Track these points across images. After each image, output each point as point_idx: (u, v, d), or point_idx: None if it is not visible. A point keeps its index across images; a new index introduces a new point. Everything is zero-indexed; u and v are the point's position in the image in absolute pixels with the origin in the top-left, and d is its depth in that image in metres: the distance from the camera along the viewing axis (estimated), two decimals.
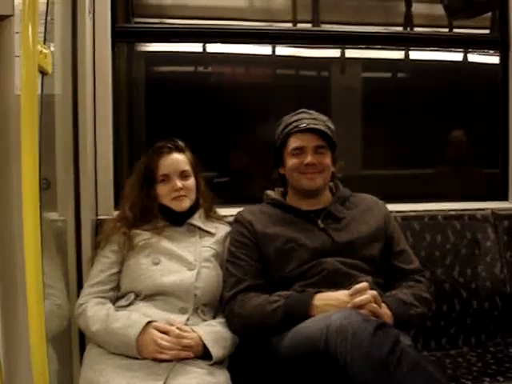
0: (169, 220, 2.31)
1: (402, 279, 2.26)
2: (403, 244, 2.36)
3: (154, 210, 2.29)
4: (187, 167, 2.32)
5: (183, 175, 2.30)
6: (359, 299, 1.93)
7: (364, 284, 1.98)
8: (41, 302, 1.46)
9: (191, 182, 2.33)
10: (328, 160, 2.27)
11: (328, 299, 2.02)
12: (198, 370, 1.93)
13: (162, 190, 2.29)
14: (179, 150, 2.34)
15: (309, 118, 2.27)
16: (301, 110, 2.32)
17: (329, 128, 2.27)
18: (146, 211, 2.29)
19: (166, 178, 2.28)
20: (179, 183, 2.27)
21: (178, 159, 2.32)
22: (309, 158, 2.24)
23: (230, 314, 2.16)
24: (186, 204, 2.30)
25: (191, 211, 2.34)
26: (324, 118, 2.31)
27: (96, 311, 2.10)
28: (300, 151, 2.26)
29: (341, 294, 2.01)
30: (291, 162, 2.28)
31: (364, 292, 1.96)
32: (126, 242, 2.23)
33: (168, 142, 2.34)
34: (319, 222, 2.26)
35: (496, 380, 2.21)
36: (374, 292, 1.98)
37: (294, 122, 2.28)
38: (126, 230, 2.25)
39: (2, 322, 1.69)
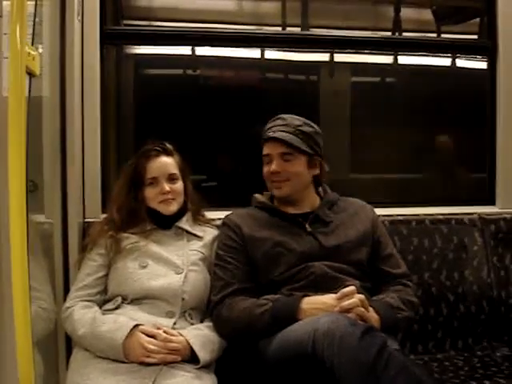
0: (156, 223, 2.30)
1: (390, 283, 2.27)
2: (390, 248, 2.37)
3: (142, 213, 2.29)
4: (175, 170, 2.32)
5: (171, 178, 2.30)
6: (347, 303, 1.93)
7: (351, 288, 1.99)
8: (27, 305, 1.45)
9: (179, 185, 2.32)
10: (296, 167, 2.27)
11: (315, 303, 2.02)
12: (185, 373, 1.92)
13: (149, 193, 2.28)
14: (167, 153, 2.34)
15: (280, 124, 2.28)
16: (277, 117, 2.33)
17: (301, 133, 2.26)
18: (133, 214, 2.28)
19: (154, 181, 2.28)
20: (167, 186, 2.27)
21: (167, 162, 2.32)
22: (273, 166, 2.27)
23: (217, 317, 2.16)
24: (173, 207, 2.29)
25: (179, 214, 2.34)
26: (298, 122, 2.28)
27: (83, 314, 2.09)
28: (269, 159, 2.29)
29: (328, 298, 2.02)
30: (264, 169, 2.32)
31: (351, 296, 1.96)
32: (114, 245, 2.22)
33: (156, 145, 2.33)
34: (307, 225, 2.27)
35: None
36: (362, 296, 1.98)
37: (267, 129, 2.31)
38: (114, 233, 2.24)
39: None
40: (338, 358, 1.66)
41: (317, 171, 2.33)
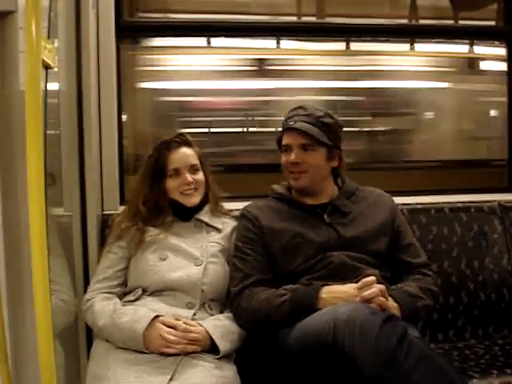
0: (176, 215, 2.31)
1: (409, 273, 2.25)
2: (410, 238, 2.35)
3: (165, 204, 2.29)
4: (196, 161, 2.32)
5: (193, 169, 2.30)
6: (367, 293, 1.92)
7: (372, 278, 1.98)
8: (47, 298, 1.46)
9: (201, 176, 2.33)
10: (316, 159, 2.24)
11: (335, 292, 2.01)
12: (206, 363, 1.93)
13: (171, 184, 2.28)
14: (188, 144, 2.34)
15: (302, 114, 2.25)
16: (299, 106, 2.30)
17: (322, 124, 2.23)
18: (158, 206, 2.29)
19: (176, 172, 2.28)
20: (190, 177, 2.27)
21: (188, 153, 2.32)
22: (292, 157, 2.24)
23: (237, 308, 2.16)
24: (195, 199, 2.30)
25: (199, 206, 2.34)
26: (320, 113, 2.25)
27: (103, 306, 2.10)
28: (288, 148, 2.27)
29: (348, 287, 2.01)
30: (282, 159, 2.30)
31: (371, 286, 1.96)
32: (137, 237, 2.23)
33: (176, 137, 2.34)
34: (325, 216, 2.26)
35: (504, 372, 2.20)
36: (382, 286, 1.97)
37: (288, 118, 2.28)
38: (142, 226, 2.25)
39: (9, 318, 1.69)
40: (358, 346, 1.66)
41: (335, 163, 2.31)
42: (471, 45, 3.28)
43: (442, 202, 2.80)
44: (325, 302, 1.99)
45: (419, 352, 1.65)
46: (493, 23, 3.30)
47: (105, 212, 2.57)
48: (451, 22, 3.31)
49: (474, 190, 3.04)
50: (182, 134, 2.36)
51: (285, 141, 2.28)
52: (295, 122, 2.23)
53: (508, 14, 3.09)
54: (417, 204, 2.76)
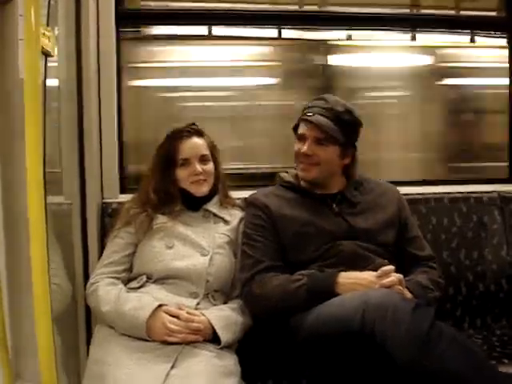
0: (185, 204, 2.31)
1: (416, 265, 2.27)
2: (416, 230, 2.37)
3: (175, 193, 2.30)
4: (206, 152, 2.33)
5: (203, 159, 2.31)
6: (387, 280, 1.94)
7: (390, 267, 1.99)
8: (46, 284, 1.46)
9: (210, 166, 2.33)
10: (328, 154, 2.22)
11: (353, 278, 2.01)
12: (207, 353, 1.94)
13: (181, 173, 2.29)
14: (199, 134, 2.34)
15: (322, 106, 2.21)
16: (321, 96, 2.27)
17: (340, 121, 2.19)
18: (168, 194, 2.29)
19: (186, 162, 2.28)
20: (199, 167, 2.28)
21: (198, 143, 2.32)
22: (304, 148, 2.22)
23: (248, 294, 2.15)
24: (205, 188, 2.30)
25: (208, 197, 2.34)
26: (340, 109, 2.20)
27: (107, 291, 2.11)
28: (302, 138, 2.25)
29: (367, 274, 2.01)
30: (295, 147, 2.28)
31: (390, 274, 1.97)
32: (145, 224, 2.24)
33: (188, 126, 2.34)
34: (334, 206, 2.26)
35: (501, 362, 2.21)
36: (400, 275, 1.99)
37: (308, 107, 2.25)
38: (151, 213, 2.26)
39: (8, 303, 1.71)
40: (390, 330, 1.67)
41: (348, 161, 2.30)
42: None
43: (442, 193, 2.80)
44: (343, 287, 1.99)
45: (450, 336, 1.70)
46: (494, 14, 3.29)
47: (104, 200, 2.57)
48: (453, 12, 3.29)
49: (474, 181, 3.04)
50: (193, 124, 2.36)
51: (300, 130, 2.26)
52: (313, 114, 2.20)
53: (509, 4, 3.08)
54: (417, 194, 2.76)
